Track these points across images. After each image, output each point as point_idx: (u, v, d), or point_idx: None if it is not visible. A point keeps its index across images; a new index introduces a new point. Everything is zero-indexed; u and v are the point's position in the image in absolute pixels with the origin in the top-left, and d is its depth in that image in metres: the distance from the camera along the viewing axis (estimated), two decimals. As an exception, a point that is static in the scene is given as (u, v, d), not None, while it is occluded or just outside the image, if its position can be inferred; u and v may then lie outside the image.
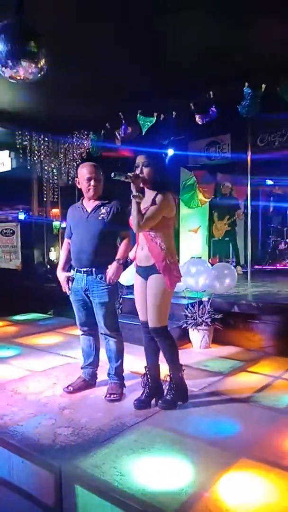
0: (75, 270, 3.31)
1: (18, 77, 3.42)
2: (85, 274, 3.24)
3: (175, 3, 3.61)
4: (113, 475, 2.23)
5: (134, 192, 2.85)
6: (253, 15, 3.79)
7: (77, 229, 3.30)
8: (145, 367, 3.17)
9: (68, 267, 3.42)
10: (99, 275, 3.21)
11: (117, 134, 6.47)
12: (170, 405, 3.05)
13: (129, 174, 2.85)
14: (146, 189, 2.98)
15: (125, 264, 3.32)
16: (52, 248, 9.14)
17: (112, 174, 2.78)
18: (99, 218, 3.21)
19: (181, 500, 2.04)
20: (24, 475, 2.46)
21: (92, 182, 3.22)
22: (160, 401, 3.08)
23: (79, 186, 3.34)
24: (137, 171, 2.92)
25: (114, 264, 3.20)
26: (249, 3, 3.61)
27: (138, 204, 2.85)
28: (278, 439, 2.66)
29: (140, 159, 2.96)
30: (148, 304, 3.02)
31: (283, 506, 2.02)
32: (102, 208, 3.24)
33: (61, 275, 3.38)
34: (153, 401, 3.12)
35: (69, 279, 3.35)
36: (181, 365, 3.12)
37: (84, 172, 3.25)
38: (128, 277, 4.39)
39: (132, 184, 2.85)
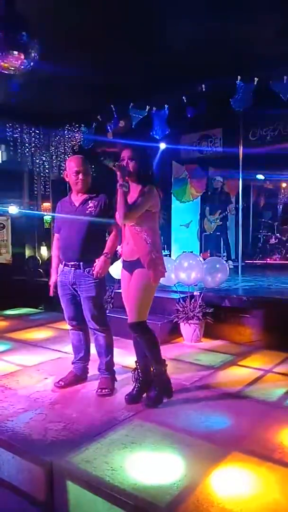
0: (63, 264, 3.29)
1: (9, 68, 3.36)
2: (72, 268, 3.21)
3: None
4: (104, 470, 2.23)
5: (121, 181, 2.85)
6: (246, 9, 3.77)
7: (65, 223, 3.28)
8: (136, 361, 3.16)
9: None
10: (87, 269, 3.19)
11: (108, 127, 6.42)
12: (154, 402, 3.02)
13: (117, 163, 2.86)
14: (130, 183, 2.96)
15: (115, 258, 3.30)
16: (43, 242, 9.07)
17: (102, 158, 2.80)
18: (87, 212, 3.19)
19: (173, 494, 2.04)
20: (15, 470, 2.44)
21: (80, 176, 3.19)
22: (145, 398, 3.05)
23: (67, 180, 3.31)
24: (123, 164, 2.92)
25: (102, 258, 3.19)
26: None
27: (125, 194, 2.85)
28: (269, 432, 2.68)
29: (125, 153, 2.94)
30: (129, 298, 3.01)
31: (274, 498, 2.03)
32: (90, 201, 3.22)
33: (53, 278, 3.38)
34: (144, 395, 3.12)
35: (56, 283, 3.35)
36: (164, 360, 3.08)
37: (72, 165, 3.22)
38: (120, 271, 4.38)
39: (118, 173, 2.85)
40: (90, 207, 3.20)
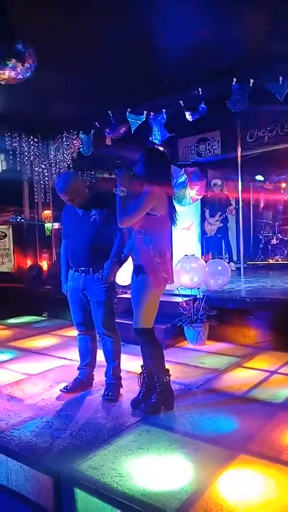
0: (73, 269, 3.30)
1: (5, 79, 3.38)
2: (82, 274, 3.24)
3: (163, 0, 3.59)
4: (112, 477, 2.22)
5: (121, 187, 2.85)
6: (240, 10, 3.78)
7: (72, 230, 3.31)
8: (142, 366, 3.15)
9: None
10: (96, 274, 3.20)
11: (106, 133, 6.45)
12: (153, 410, 2.98)
13: (117, 169, 2.89)
14: (137, 186, 2.95)
15: (122, 261, 3.28)
16: (45, 250, 9.08)
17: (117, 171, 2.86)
18: (91, 220, 3.21)
19: (182, 499, 2.03)
20: (23, 480, 2.43)
21: (70, 200, 3.22)
22: (142, 405, 3.02)
23: None
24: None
25: (109, 262, 3.19)
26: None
27: (122, 198, 2.85)
28: (276, 434, 2.66)
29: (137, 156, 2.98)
30: (133, 303, 3.00)
31: (284, 501, 2.02)
32: (92, 210, 3.23)
33: (65, 286, 3.41)
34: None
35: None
36: (167, 370, 3.04)
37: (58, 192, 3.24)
38: (123, 276, 4.37)
39: (121, 179, 2.86)
40: (93, 215, 3.21)
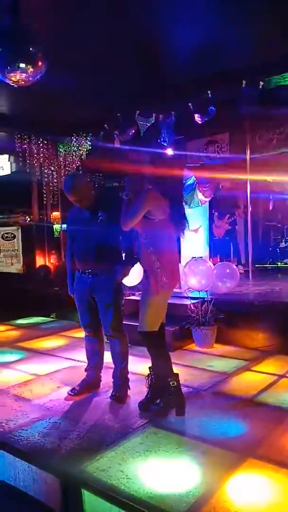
0: (80, 271, 3.31)
1: (17, 81, 3.41)
2: (90, 276, 3.23)
3: (173, 2, 3.60)
4: (119, 479, 2.22)
5: (127, 191, 2.88)
6: (250, 12, 3.77)
7: (79, 232, 3.31)
8: (149, 368, 3.15)
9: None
10: (104, 276, 3.19)
11: (115, 136, 6.47)
12: (161, 413, 2.96)
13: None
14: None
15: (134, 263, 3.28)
16: (53, 251, 9.12)
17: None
18: (98, 221, 3.21)
19: (189, 503, 2.02)
20: (30, 480, 2.44)
21: (76, 202, 3.22)
22: (152, 407, 3.01)
23: None
24: None
25: (121, 265, 3.18)
26: (246, 0, 3.60)
27: (126, 201, 2.87)
28: (285, 438, 2.64)
29: None
30: (139, 306, 3.01)
31: (292, 506, 2.00)
32: (98, 211, 3.24)
33: (71, 288, 3.40)
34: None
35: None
36: (174, 374, 2.99)
37: (65, 192, 3.24)
38: (130, 277, 4.38)
39: (128, 184, 2.89)
40: (100, 216, 3.21)
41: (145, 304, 2.94)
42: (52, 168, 7.57)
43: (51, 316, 6.72)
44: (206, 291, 4.87)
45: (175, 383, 2.97)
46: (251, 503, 2.02)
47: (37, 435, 2.73)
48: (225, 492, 2.10)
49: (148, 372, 3.14)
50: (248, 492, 2.11)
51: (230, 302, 4.89)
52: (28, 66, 3.28)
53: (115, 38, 4.17)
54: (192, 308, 4.74)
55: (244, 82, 5.03)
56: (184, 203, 3.06)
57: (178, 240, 3.22)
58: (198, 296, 4.85)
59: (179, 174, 3.05)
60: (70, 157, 7.28)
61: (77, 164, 7.28)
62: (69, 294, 3.47)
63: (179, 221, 2.97)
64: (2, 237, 8.94)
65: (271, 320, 4.57)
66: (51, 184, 7.79)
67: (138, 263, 3.14)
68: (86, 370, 3.50)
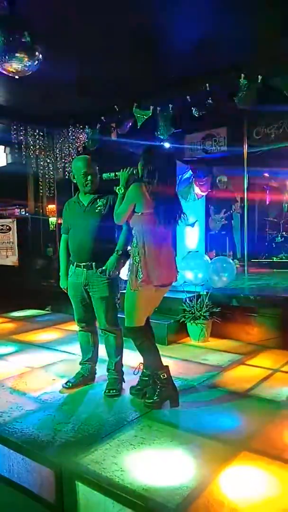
0: (74, 264, 3.27)
1: (14, 71, 3.37)
2: (85, 269, 3.20)
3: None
4: (114, 471, 2.22)
5: (120, 185, 2.93)
6: (249, 5, 3.74)
7: (75, 224, 3.26)
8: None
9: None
10: (99, 269, 3.16)
11: (113, 128, 6.42)
12: (154, 405, 2.96)
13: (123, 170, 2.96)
14: None
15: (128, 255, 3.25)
16: (49, 244, 9.08)
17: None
18: (96, 211, 3.18)
19: (183, 495, 2.03)
20: (25, 472, 2.44)
21: (89, 177, 3.18)
22: (145, 399, 3.03)
23: (74, 181, 3.30)
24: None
25: (113, 256, 3.15)
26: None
27: (120, 196, 2.92)
28: (279, 432, 2.66)
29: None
30: None
31: (285, 499, 2.02)
32: (98, 200, 3.21)
33: (65, 281, 3.37)
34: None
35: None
36: (164, 366, 2.99)
37: (79, 166, 3.20)
38: (125, 270, 4.37)
39: (121, 177, 2.92)
40: (99, 206, 3.19)
41: (126, 299, 2.95)
42: (48, 160, 7.51)
43: (46, 308, 6.71)
44: (202, 285, 4.88)
45: (165, 375, 2.97)
46: (245, 495, 2.03)
47: (32, 427, 2.73)
48: (219, 484, 2.11)
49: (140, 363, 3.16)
50: (242, 484, 2.12)
51: (225, 296, 4.89)
52: (25, 56, 3.24)
53: (113, 30, 4.13)
54: (188, 302, 4.75)
55: (242, 76, 5.00)
56: (176, 196, 3.02)
57: (174, 237, 3.18)
58: (194, 290, 4.85)
59: (172, 167, 3.03)
60: (67, 149, 7.22)
61: (73, 157, 7.22)
62: (61, 287, 3.45)
63: (163, 215, 2.82)
64: (-2, 230, 8.89)
65: (266, 315, 4.58)
66: (47, 177, 7.73)
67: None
68: (81, 363, 3.50)
